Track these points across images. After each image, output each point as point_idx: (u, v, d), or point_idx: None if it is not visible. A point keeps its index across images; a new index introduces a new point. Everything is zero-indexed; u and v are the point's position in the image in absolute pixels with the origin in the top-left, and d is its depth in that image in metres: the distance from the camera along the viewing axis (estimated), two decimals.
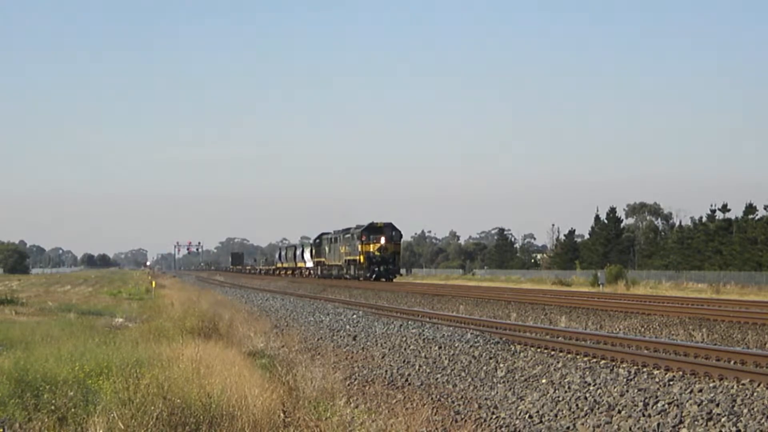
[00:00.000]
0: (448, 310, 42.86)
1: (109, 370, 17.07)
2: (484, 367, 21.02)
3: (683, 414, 14.64)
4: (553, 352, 23.04)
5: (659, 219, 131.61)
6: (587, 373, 19.09)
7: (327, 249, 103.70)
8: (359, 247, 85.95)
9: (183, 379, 15.64)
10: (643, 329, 30.05)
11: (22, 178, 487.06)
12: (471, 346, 24.54)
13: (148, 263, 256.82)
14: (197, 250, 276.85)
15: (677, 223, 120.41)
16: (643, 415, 14.87)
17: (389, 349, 25.37)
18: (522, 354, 22.68)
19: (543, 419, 15.45)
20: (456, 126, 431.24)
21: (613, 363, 20.48)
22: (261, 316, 39.88)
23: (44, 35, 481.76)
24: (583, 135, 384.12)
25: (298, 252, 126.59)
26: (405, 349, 25.31)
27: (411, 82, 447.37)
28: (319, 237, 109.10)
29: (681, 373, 18.48)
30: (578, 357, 21.92)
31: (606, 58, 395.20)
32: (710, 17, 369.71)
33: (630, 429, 14.28)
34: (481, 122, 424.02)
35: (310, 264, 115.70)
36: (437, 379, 20.07)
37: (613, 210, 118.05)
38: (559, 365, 20.33)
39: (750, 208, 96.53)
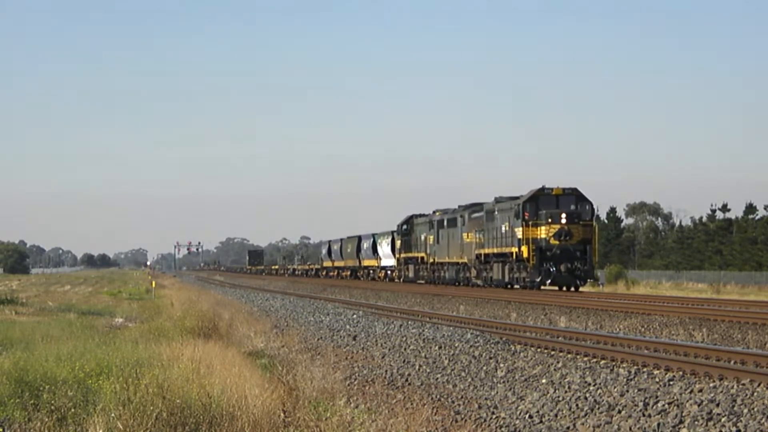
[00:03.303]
0: (448, 310, 42.84)
1: (109, 370, 17.07)
2: (484, 367, 21.01)
3: (683, 414, 14.63)
4: (553, 352, 23.03)
5: (659, 219, 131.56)
6: (587, 373, 19.08)
7: (430, 238, 69.58)
8: (517, 231, 52.87)
9: (183, 379, 15.64)
10: (643, 329, 30.04)
11: (22, 178, 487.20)
12: (471, 346, 24.53)
13: (148, 263, 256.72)
14: (197, 250, 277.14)
15: (677, 223, 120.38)
16: (643, 415, 14.86)
17: (389, 349, 25.36)
18: (522, 354, 22.67)
19: (543, 419, 15.44)
20: (455, 126, 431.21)
21: (613, 363, 20.47)
22: (261, 316, 39.87)
23: (44, 35, 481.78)
24: (583, 135, 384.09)
25: (366, 245, 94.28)
26: (405, 349, 25.29)
27: (411, 82, 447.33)
28: (409, 221, 75.60)
29: (681, 373, 18.47)
30: (578, 357, 21.91)
31: (606, 58, 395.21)
32: (711, 17, 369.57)
33: (630, 429, 14.27)
34: (481, 122, 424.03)
35: (388, 261, 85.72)
36: (437, 379, 20.06)
37: (613, 210, 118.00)
38: (559, 365, 20.31)
39: (750, 208, 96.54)
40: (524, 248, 51.90)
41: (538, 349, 23.79)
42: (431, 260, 69.03)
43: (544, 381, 18.69)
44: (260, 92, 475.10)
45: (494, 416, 15.82)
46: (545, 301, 42.05)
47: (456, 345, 25.01)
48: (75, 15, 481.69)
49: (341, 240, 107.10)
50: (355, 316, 38.73)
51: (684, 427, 14.06)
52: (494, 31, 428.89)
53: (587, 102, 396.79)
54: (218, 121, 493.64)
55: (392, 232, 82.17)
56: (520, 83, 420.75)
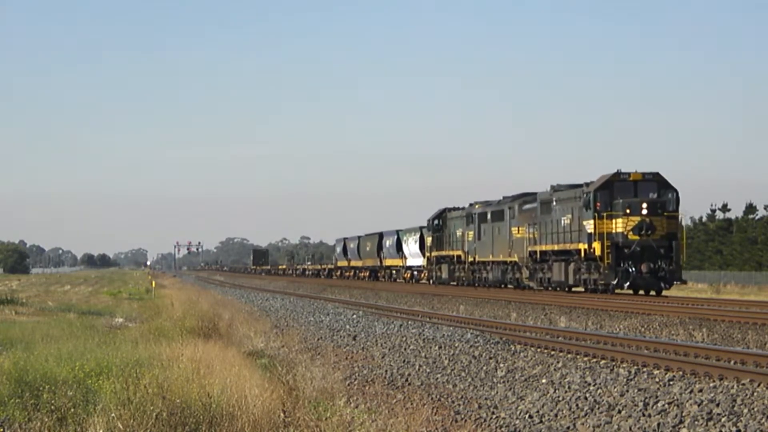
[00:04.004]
0: (448, 310, 42.84)
1: (109, 370, 17.06)
2: (484, 367, 21.01)
3: (683, 414, 14.63)
4: (553, 352, 23.02)
5: None
6: (587, 373, 19.08)
7: (469, 234, 60.54)
8: (586, 224, 45.13)
9: (183, 379, 15.64)
10: (643, 329, 30.04)
11: (22, 178, 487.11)
12: (471, 346, 24.53)
13: (148, 263, 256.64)
14: (197, 250, 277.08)
15: None
16: (643, 415, 14.86)
17: (389, 349, 25.36)
18: (522, 354, 22.67)
19: (543, 419, 15.44)
20: (455, 125, 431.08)
21: (613, 363, 20.47)
22: (261, 316, 39.86)
23: (45, 36, 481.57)
24: (583, 135, 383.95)
25: (389, 243, 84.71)
26: (405, 349, 25.29)
27: (411, 82, 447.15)
28: (442, 215, 66.40)
29: (681, 373, 18.46)
30: (578, 357, 21.91)
31: (606, 58, 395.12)
32: (711, 17, 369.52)
33: (630, 429, 14.27)
34: (479, 121, 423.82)
35: (415, 261, 77.20)
36: (437, 379, 20.05)
37: None
38: (559, 365, 20.31)
39: (750, 208, 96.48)
40: (596, 245, 43.95)
41: (538, 349, 23.79)
42: (470, 259, 60.07)
43: (544, 381, 18.69)
44: (260, 92, 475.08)
45: (494, 416, 15.82)
46: (545, 301, 42.05)
47: (456, 345, 25.00)
48: (75, 15, 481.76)
49: (359, 237, 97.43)
50: (355, 316, 38.73)
51: (684, 427, 14.06)
52: (494, 31, 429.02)
53: (587, 101, 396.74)
54: (218, 121, 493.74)
55: (421, 228, 73.67)
56: (519, 83, 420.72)
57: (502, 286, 55.92)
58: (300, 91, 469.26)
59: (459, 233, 62.71)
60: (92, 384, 16.05)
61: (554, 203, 48.53)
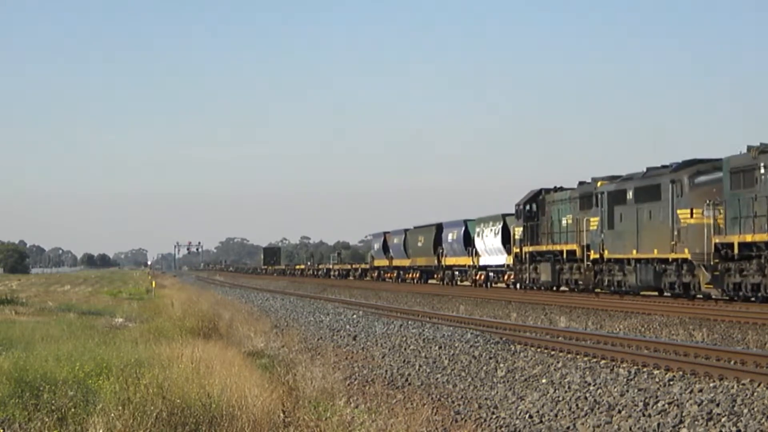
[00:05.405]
0: (448, 310, 42.84)
1: (109, 370, 17.07)
2: (484, 367, 21.02)
3: (683, 414, 14.63)
4: (553, 352, 23.03)
5: None
6: (587, 373, 19.09)
7: (592, 221, 45.43)
8: None
9: (183, 379, 15.64)
10: (643, 329, 30.05)
11: (22, 178, 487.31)
12: (471, 346, 24.54)
13: (148, 263, 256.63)
14: (197, 250, 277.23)
15: None
16: (643, 415, 14.87)
17: (389, 349, 25.37)
18: (522, 354, 22.67)
19: (543, 419, 15.44)
20: (452, 125, 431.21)
21: (613, 363, 20.47)
22: (261, 316, 39.87)
23: (44, 36, 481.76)
24: (583, 134, 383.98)
25: (451, 236, 69.65)
26: (405, 349, 25.30)
27: (411, 82, 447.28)
28: (537, 197, 52.69)
29: (681, 373, 18.47)
30: (578, 357, 21.91)
31: (606, 58, 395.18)
32: (711, 17, 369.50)
33: (630, 429, 14.27)
34: (480, 120, 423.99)
35: (495, 258, 60.76)
36: (437, 379, 20.06)
37: None
38: (559, 365, 20.32)
39: None
40: None
41: (538, 349, 23.80)
42: (593, 255, 44.93)
43: (544, 381, 18.69)
44: (260, 92, 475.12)
45: (494, 416, 15.82)
46: (545, 301, 42.07)
47: (456, 345, 25.01)
48: (75, 14, 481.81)
49: (405, 231, 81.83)
50: (355, 316, 38.75)
51: (684, 427, 14.06)
52: (493, 31, 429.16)
53: (586, 101, 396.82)
54: (218, 121, 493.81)
55: (502, 216, 59.52)
56: (520, 83, 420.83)
57: (660, 293, 41.24)
58: (300, 91, 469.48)
59: (568, 221, 48.37)
60: (92, 384, 16.06)
61: (761, 170, 32.95)
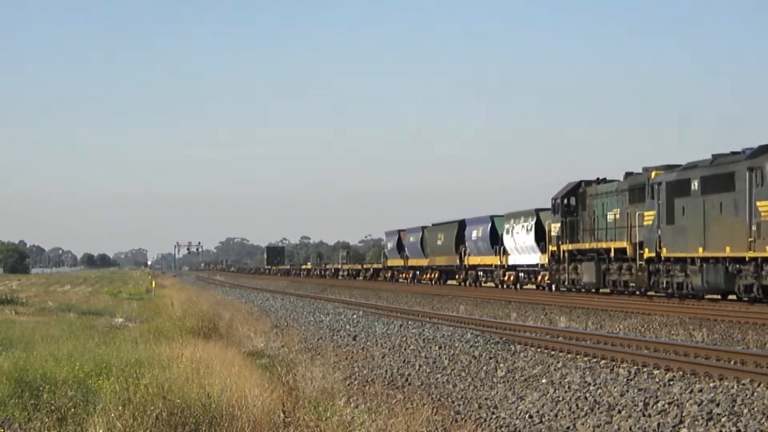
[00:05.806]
0: (448, 310, 42.83)
1: (109, 370, 17.07)
2: (484, 367, 21.02)
3: (683, 414, 14.63)
4: (553, 352, 23.03)
5: None
6: (587, 373, 19.09)
7: (645, 216, 40.15)
8: None
9: (183, 379, 15.65)
10: (643, 329, 30.05)
11: (22, 178, 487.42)
12: (471, 346, 24.53)
13: (148, 263, 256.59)
14: (197, 250, 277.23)
15: None
16: (643, 415, 14.87)
17: (389, 349, 25.36)
18: (522, 354, 22.67)
19: (543, 419, 15.44)
20: (452, 125, 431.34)
21: (613, 363, 20.47)
22: (261, 316, 39.87)
23: (44, 36, 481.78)
24: (582, 134, 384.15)
25: (476, 234, 63.41)
26: (405, 349, 25.30)
27: (411, 82, 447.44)
28: (576, 190, 48.21)
29: (681, 373, 18.46)
30: (578, 357, 21.91)
31: (606, 58, 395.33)
32: (711, 17, 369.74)
33: (630, 429, 14.27)
34: (480, 120, 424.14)
35: (526, 258, 55.54)
36: (437, 379, 20.05)
37: None
38: (559, 365, 20.32)
39: None
40: None
41: (538, 349, 23.79)
42: (648, 254, 39.57)
43: (544, 381, 18.69)
44: (260, 92, 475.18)
45: (494, 416, 15.82)
46: (545, 301, 42.08)
47: (456, 345, 25.01)
48: (75, 14, 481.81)
49: (422, 229, 75.32)
50: (355, 316, 38.74)
51: (684, 427, 14.06)
52: (492, 31, 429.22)
53: (586, 101, 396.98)
54: (218, 121, 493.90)
55: (536, 212, 54.36)
56: (519, 83, 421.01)
57: (740, 299, 35.20)
58: (300, 91, 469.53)
59: (615, 215, 43.75)
60: (92, 384, 16.06)
61: None
